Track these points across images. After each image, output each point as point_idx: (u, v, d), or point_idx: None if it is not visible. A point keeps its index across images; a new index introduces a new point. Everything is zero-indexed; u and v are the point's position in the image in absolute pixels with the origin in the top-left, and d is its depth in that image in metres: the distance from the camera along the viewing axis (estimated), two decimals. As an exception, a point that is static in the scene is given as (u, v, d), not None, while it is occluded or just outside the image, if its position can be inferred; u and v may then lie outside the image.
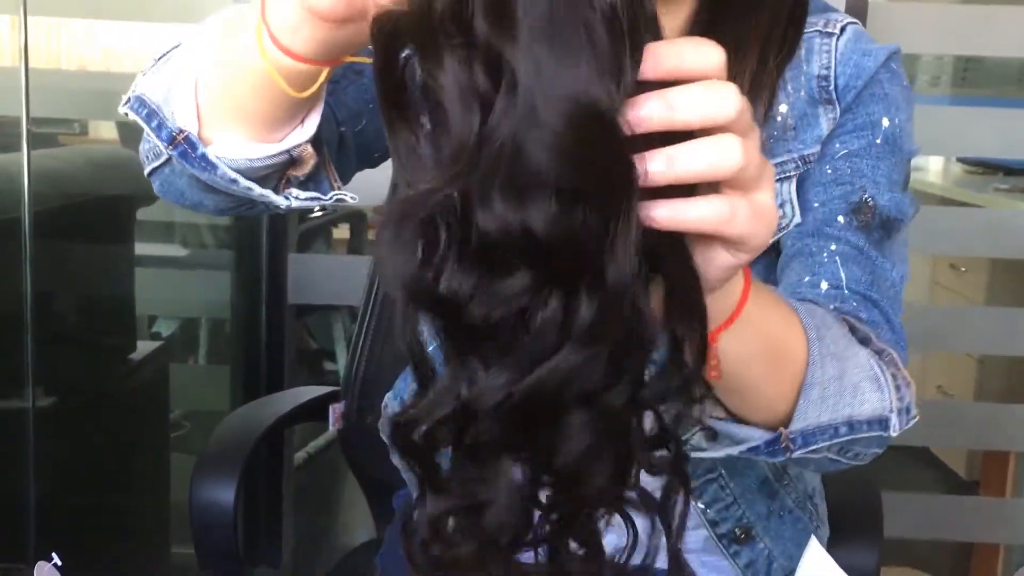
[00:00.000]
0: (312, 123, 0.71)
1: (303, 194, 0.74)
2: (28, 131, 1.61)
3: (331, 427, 1.33)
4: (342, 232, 3.65)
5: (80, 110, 2.41)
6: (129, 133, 2.63)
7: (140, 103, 0.72)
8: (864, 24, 1.90)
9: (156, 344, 2.21)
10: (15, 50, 1.78)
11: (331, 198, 0.75)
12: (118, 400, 2.05)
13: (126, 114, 0.72)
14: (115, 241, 2.05)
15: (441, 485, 0.52)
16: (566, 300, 0.46)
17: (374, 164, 0.95)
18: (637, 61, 0.46)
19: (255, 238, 1.94)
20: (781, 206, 0.90)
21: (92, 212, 1.91)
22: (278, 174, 0.73)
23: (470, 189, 0.45)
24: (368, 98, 0.89)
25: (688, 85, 0.47)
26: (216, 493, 1.15)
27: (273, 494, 1.99)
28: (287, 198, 0.73)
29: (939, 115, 2.15)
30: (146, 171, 0.80)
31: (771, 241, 0.90)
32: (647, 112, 0.46)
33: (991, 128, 2.04)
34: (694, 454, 0.73)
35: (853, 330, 0.78)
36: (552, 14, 0.43)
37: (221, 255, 2.41)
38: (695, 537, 0.99)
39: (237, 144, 0.69)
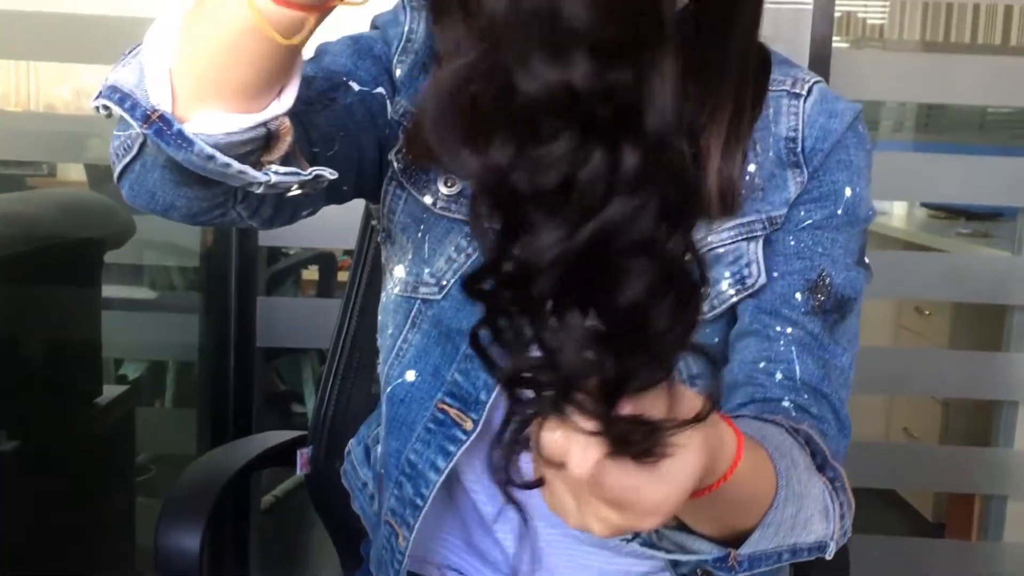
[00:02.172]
0: (289, 96, 0.70)
1: (282, 168, 0.73)
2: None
3: (299, 472, 1.33)
4: (312, 273, 3.64)
5: (48, 153, 2.40)
6: (97, 175, 2.62)
7: (112, 90, 0.70)
8: (828, 72, 1.94)
9: (122, 388, 2.19)
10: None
11: (310, 174, 0.74)
12: (83, 443, 2.03)
13: (98, 108, 0.71)
14: (83, 284, 2.04)
15: (515, 338, 0.52)
16: (611, 153, 0.47)
17: (342, 200, 0.95)
18: None
19: (224, 280, 1.93)
20: (747, 265, 0.92)
21: (60, 256, 1.90)
22: (254, 157, 0.72)
23: (507, 56, 0.46)
24: (340, 125, 0.89)
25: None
26: (182, 538, 1.14)
27: (240, 538, 1.97)
28: (266, 173, 0.72)
29: (902, 161, 2.18)
30: (116, 172, 0.78)
31: (736, 300, 0.93)
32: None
33: (953, 174, 2.08)
34: (642, 550, 0.76)
35: (813, 454, 0.81)
36: None
37: (189, 297, 2.40)
38: None
39: (214, 118, 0.68)
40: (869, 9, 4.31)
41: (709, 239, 0.92)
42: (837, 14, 1.98)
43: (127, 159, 0.76)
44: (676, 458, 0.53)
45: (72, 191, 2.60)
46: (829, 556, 0.80)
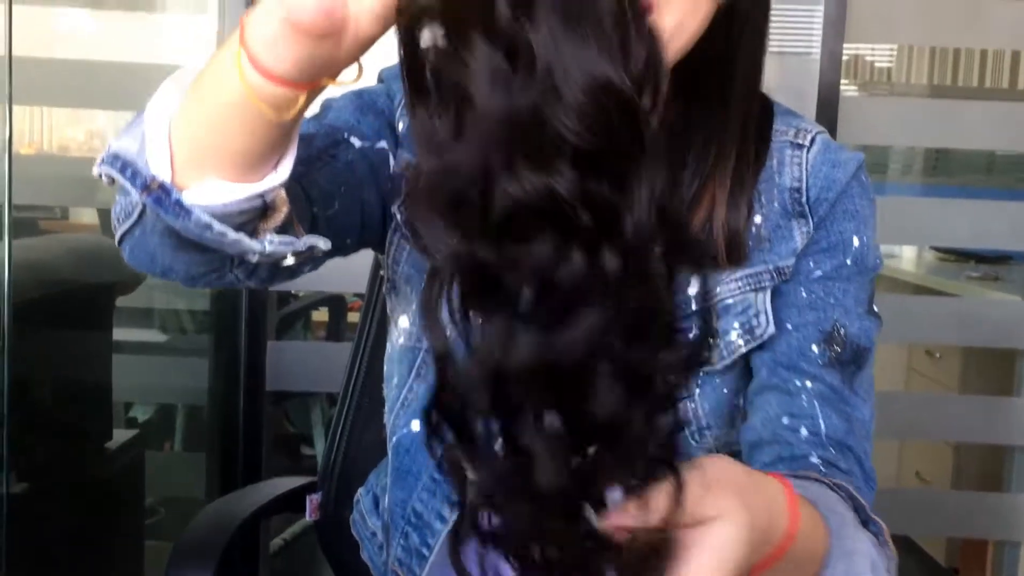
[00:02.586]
0: (285, 167, 0.71)
1: (277, 237, 0.73)
2: (10, 223, 1.60)
3: (308, 518, 1.32)
4: (321, 315, 3.65)
5: (61, 197, 2.42)
6: (109, 219, 2.63)
7: (114, 158, 0.71)
8: (836, 117, 1.95)
9: (132, 432, 2.20)
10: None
11: (304, 244, 0.75)
12: (92, 486, 2.02)
13: (99, 175, 0.72)
14: (94, 328, 2.04)
15: (484, 455, 0.53)
16: (590, 257, 0.49)
17: (346, 252, 0.95)
18: (642, 38, 0.50)
19: (234, 324, 1.94)
20: (756, 316, 0.93)
21: (72, 301, 1.91)
22: (250, 226, 0.73)
23: (494, 160, 0.48)
24: (341, 181, 0.89)
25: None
26: (191, 584, 1.13)
27: (248, 583, 1.96)
28: (261, 242, 0.72)
29: (911, 205, 2.19)
30: (117, 236, 0.80)
31: (746, 350, 0.93)
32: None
33: (962, 218, 2.08)
34: None
35: (855, 510, 0.79)
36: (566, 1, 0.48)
37: (199, 341, 2.40)
38: None
39: (211, 188, 0.69)
40: (877, 53, 4.33)
41: (718, 290, 0.93)
42: (845, 57, 1.99)
43: (128, 224, 0.77)
44: (711, 530, 0.53)
45: (84, 236, 2.62)
46: None
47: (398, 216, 0.97)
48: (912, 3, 2.01)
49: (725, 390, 0.95)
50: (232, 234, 0.70)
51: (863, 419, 0.92)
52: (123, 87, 2.03)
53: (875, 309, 0.97)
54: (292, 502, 1.35)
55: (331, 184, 0.88)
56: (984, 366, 2.90)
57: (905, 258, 3.49)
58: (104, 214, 2.67)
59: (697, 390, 0.95)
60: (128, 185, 0.70)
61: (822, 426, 0.90)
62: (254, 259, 0.73)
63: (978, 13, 2.01)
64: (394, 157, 0.96)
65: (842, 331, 0.92)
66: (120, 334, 2.25)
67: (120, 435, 2.11)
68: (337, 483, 1.35)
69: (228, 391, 1.97)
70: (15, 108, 1.83)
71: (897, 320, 2.09)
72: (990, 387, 2.76)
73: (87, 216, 2.92)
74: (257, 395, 1.95)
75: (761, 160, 0.93)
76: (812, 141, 0.95)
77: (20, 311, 1.75)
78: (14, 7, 1.80)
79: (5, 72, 1.93)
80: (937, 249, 3.39)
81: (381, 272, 1.06)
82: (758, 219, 0.93)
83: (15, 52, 1.81)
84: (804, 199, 0.94)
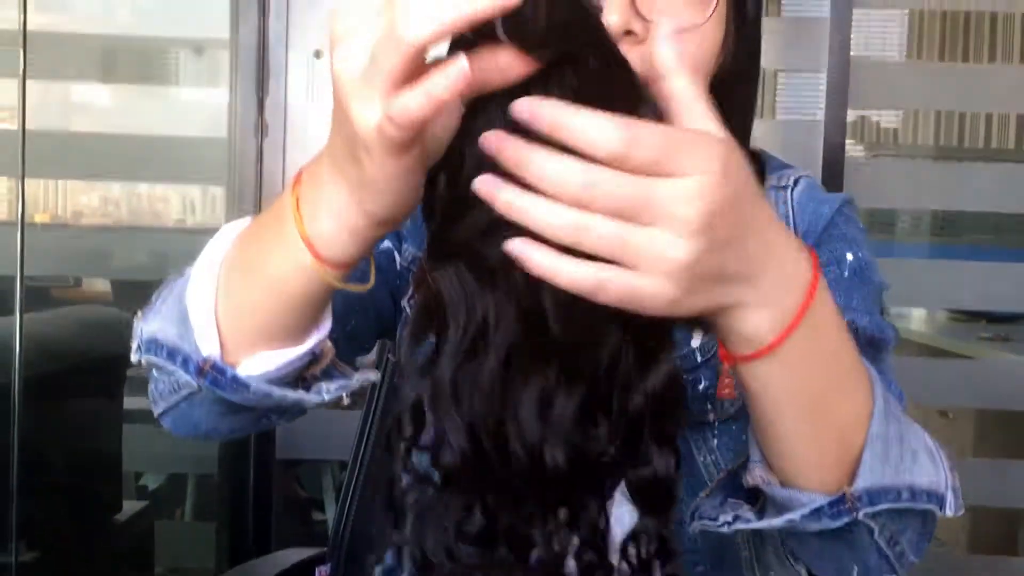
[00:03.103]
0: (327, 318, 0.72)
1: (332, 385, 0.74)
2: (21, 299, 1.60)
3: (317, 590, 1.31)
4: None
5: (74, 267, 2.43)
6: (122, 289, 2.65)
7: (155, 344, 0.72)
8: (842, 180, 1.96)
9: (143, 504, 2.19)
10: (11, 211, 1.80)
11: (358, 383, 0.76)
12: (102, 555, 2.01)
13: (139, 362, 0.73)
14: (105, 399, 2.05)
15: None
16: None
17: (367, 352, 0.97)
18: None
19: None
20: None
21: (82, 373, 1.92)
22: (296, 379, 0.74)
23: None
24: (353, 299, 0.88)
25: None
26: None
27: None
28: (318, 394, 0.73)
29: (919, 268, 2.19)
30: (157, 411, 0.80)
31: (742, 403, 0.92)
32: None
33: (971, 280, 2.07)
34: (746, 526, 0.72)
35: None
36: None
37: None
38: None
39: (263, 358, 0.70)
40: (883, 115, 4.37)
41: (713, 348, 0.91)
42: (851, 119, 2.00)
43: (173, 400, 0.77)
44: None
45: (94, 308, 2.63)
46: (949, 513, 0.71)
47: (407, 310, 0.97)
48: (913, 69, 2.03)
49: (744, 436, 0.93)
50: (291, 395, 0.72)
51: (897, 395, 0.82)
52: (138, 159, 2.05)
53: (890, 322, 0.91)
54: (301, 574, 1.35)
55: (345, 305, 0.88)
56: (998, 426, 2.87)
57: (915, 318, 3.49)
58: (117, 283, 2.69)
59: (715, 440, 0.93)
60: (179, 371, 0.71)
61: None
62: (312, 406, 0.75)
63: (978, 79, 2.03)
64: (399, 253, 0.97)
65: (853, 324, 0.83)
66: (132, 402, 2.25)
67: (131, 506, 2.11)
68: (346, 555, 1.34)
69: (238, 459, 1.96)
70: (29, 178, 1.84)
71: (910, 383, 2.05)
72: (1005, 448, 2.74)
73: (100, 284, 2.94)
74: (267, 463, 1.95)
75: None
76: (795, 183, 0.94)
77: (30, 386, 1.76)
78: (28, 82, 1.82)
79: (21, 146, 1.97)
80: (948, 309, 3.38)
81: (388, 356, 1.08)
82: None
83: (31, 126, 1.84)
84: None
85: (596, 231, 0.52)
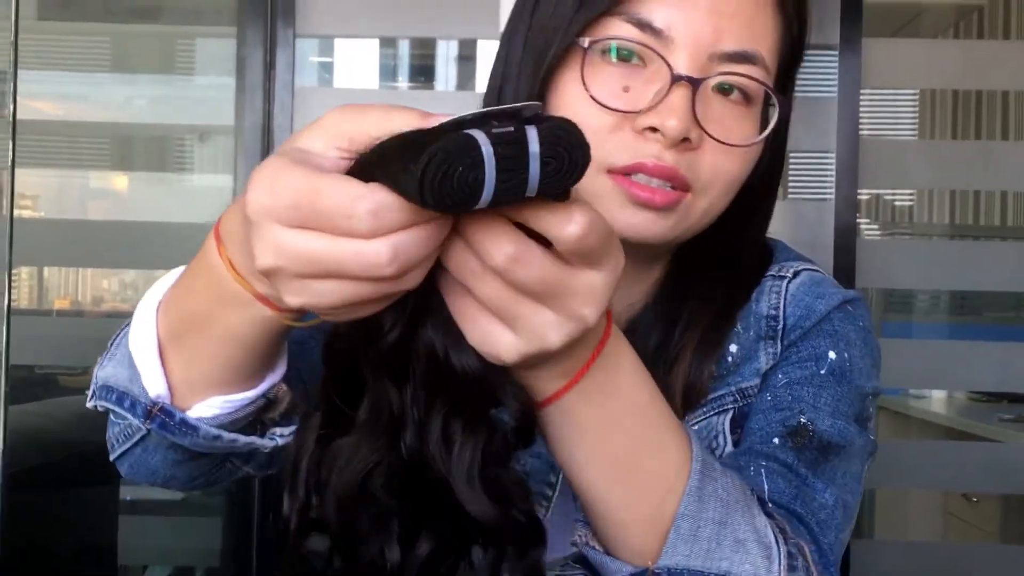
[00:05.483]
0: (282, 363, 0.71)
1: (286, 430, 0.73)
2: (6, 392, 1.57)
3: None
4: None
5: (83, 358, 2.42)
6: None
7: (106, 390, 0.72)
8: (853, 262, 1.93)
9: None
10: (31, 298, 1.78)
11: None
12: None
13: (95, 407, 0.73)
14: (100, 490, 2.02)
15: None
16: None
17: None
18: None
19: (247, 481, 1.91)
20: (715, 437, 0.87)
21: (76, 465, 1.90)
22: (253, 423, 0.73)
23: None
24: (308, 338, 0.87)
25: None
26: None
27: None
28: (271, 438, 0.73)
29: (937, 349, 2.15)
30: (113, 456, 0.80)
31: None
32: None
33: (990, 361, 2.04)
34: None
35: (761, 503, 0.74)
36: None
37: (213, 501, 2.36)
38: None
39: (214, 402, 0.69)
40: (897, 193, 4.35)
41: (685, 418, 0.88)
42: (865, 196, 1.98)
43: (127, 445, 0.78)
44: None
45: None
46: None
47: None
48: (923, 148, 2.03)
49: None
50: (243, 439, 0.71)
51: (822, 500, 0.81)
52: (151, 246, 2.05)
53: (869, 428, 0.88)
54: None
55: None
56: (1024, 511, 2.81)
57: (935, 399, 3.44)
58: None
59: None
60: (128, 415, 0.70)
61: (766, 489, 0.80)
62: (266, 451, 0.73)
63: (988, 157, 2.02)
64: None
65: (809, 426, 0.83)
66: (137, 492, 2.22)
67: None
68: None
69: (240, 552, 1.93)
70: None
71: (931, 467, 2.03)
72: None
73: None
74: (270, 555, 1.91)
75: (745, 299, 0.90)
76: (796, 274, 0.92)
77: (20, 478, 1.72)
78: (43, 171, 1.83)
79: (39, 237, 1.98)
80: (968, 390, 3.33)
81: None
82: (734, 348, 0.89)
83: (48, 214, 1.85)
84: (780, 326, 0.89)
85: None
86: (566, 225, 0.53)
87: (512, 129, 0.49)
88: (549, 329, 0.57)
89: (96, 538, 2.03)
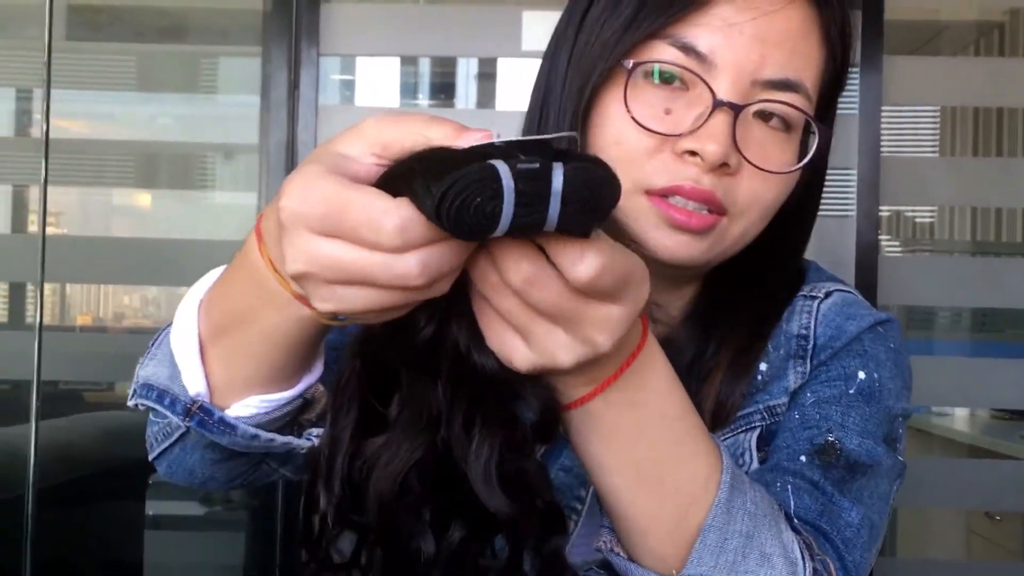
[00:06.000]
0: (319, 365, 0.72)
1: (323, 431, 0.73)
2: (38, 408, 1.58)
3: None
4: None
5: (106, 373, 2.44)
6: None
7: (147, 388, 0.73)
8: (875, 279, 1.93)
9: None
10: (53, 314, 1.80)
11: None
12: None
13: (136, 406, 0.74)
14: (126, 505, 2.03)
15: None
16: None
17: None
18: None
19: (271, 497, 1.92)
20: (741, 455, 0.88)
21: (102, 480, 1.91)
22: (290, 423, 0.74)
23: None
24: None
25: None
26: None
27: None
28: (308, 438, 0.74)
29: (959, 367, 2.14)
30: (152, 455, 0.81)
31: None
32: None
33: (1013, 379, 2.03)
34: None
35: (788, 519, 0.74)
36: None
37: (236, 516, 2.37)
38: None
39: (252, 401, 0.70)
40: (918, 210, 4.33)
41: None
42: (886, 213, 1.98)
43: (166, 444, 0.79)
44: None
45: (116, 414, 2.63)
46: None
47: None
48: (944, 165, 2.03)
49: None
50: (280, 438, 0.72)
51: (848, 519, 0.82)
52: (175, 263, 2.07)
53: (898, 449, 0.88)
54: None
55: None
56: (1049, 529, 2.79)
57: (958, 417, 3.42)
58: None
59: None
60: (168, 413, 0.71)
61: (792, 504, 0.80)
62: (303, 452, 0.75)
63: (1010, 174, 2.01)
64: None
65: (837, 444, 0.84)
66: (162, 507, 2.23)
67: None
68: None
69: (264, 568, 1.93)
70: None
71: (953, 485, 2.02)
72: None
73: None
74: (293, 572, 1.91)
75: (776, 319, 0.91)
76: (828, 295, 0.92)
77: (47, 494, 1.74)
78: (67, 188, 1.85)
79: (63, 253, 1.99)
80: (990, 407, 3.31)
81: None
82: (763, 366, 0.90)
83: (71, 231, 1.86)
84: (810, 346, 0.90)
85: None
86: (578, 265, 0.54)
87: (538, 166, 0.49)
88: (560, 349, 0.58)
89: (122, 554, 2.04)
